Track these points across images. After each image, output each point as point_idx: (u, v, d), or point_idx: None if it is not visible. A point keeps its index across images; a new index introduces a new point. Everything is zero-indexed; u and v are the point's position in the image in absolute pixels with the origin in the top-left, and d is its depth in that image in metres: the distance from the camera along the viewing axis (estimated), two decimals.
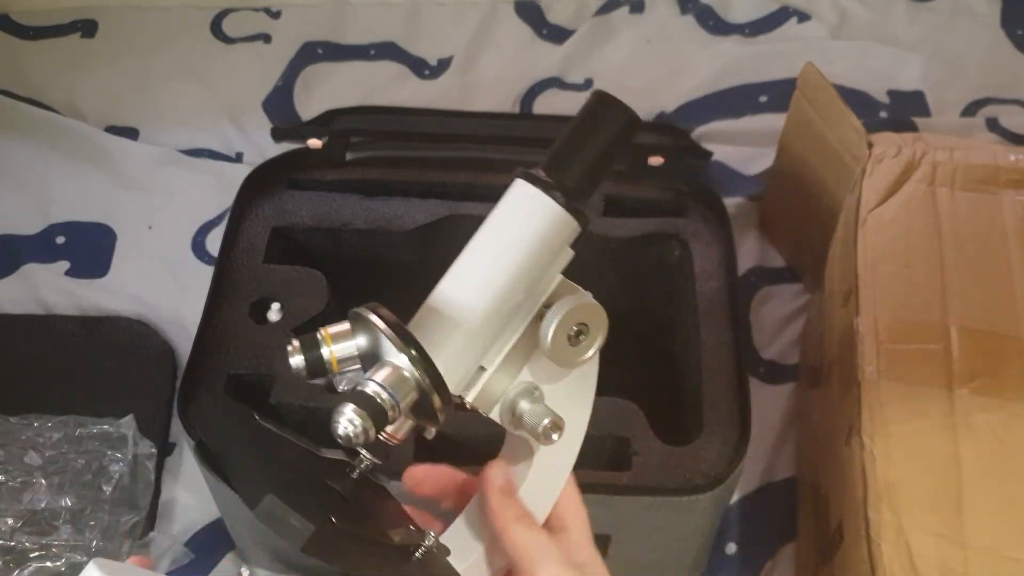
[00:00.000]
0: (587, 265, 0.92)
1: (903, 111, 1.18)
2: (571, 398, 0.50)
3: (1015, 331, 0.75)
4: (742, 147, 1.14)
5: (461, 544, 0.50)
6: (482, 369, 0.48)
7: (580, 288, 0.50)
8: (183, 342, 1.01)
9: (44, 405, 0.93)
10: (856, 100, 1.17)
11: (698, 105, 1.20)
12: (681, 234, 0.89)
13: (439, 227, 0.90)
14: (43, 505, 0.86)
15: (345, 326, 0.46)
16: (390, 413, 0.44)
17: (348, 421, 0.43)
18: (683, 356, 0.86)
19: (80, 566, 0.82)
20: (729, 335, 0.82)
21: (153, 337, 1.01)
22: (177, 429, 0.96)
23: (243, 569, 0.89)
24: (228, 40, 1.28)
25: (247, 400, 0.80)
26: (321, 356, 0.46)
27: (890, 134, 0.89)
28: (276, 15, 1.30)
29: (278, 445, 0.48)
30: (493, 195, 0.90)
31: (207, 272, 0.87)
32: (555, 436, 0.47)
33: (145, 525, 0.89)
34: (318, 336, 0.46)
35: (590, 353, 0.48)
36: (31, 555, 0.84)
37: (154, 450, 0.91)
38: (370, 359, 0.46)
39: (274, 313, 0.83)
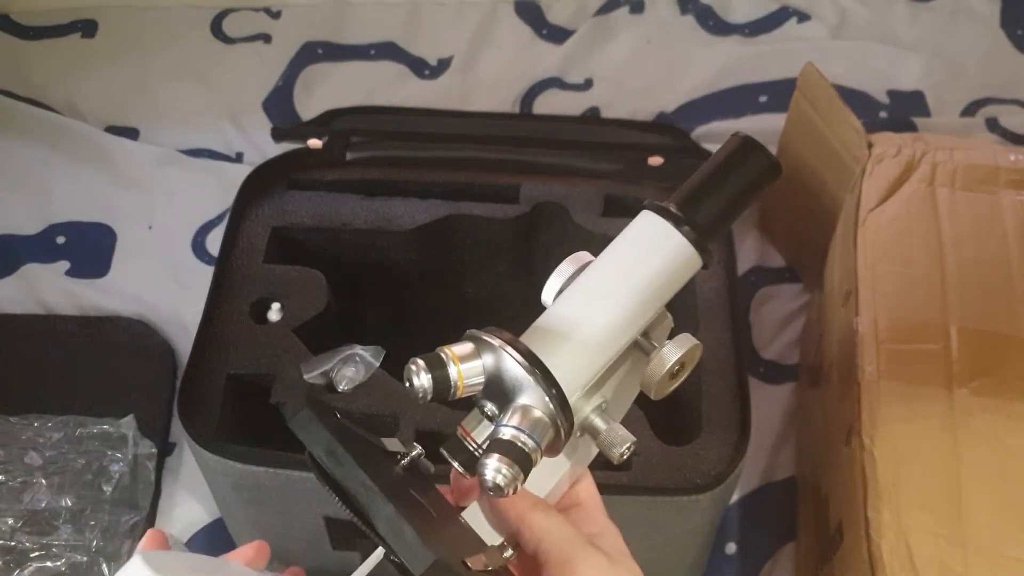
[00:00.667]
0: None
1: (903, 111, 1.18)
2: (622, 402, 0.51)
3: (1015, 331, 0.75)
4: None
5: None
6: (580, 391, 0.48)
7: (669, 315, 0.50)
8: (183, 342, 1.01)
9: (44, 405, 0.93)
10: (856, 100, 1.17)
11: (698, 105, 1.20)
12: None
13: (439, 227, 0.90)
14: (43, 505, 0.86)
15: (468, 347, 0.45)
16: (533, 457, 0.44)
17: (495, 471, 0.43)
18: None
19: (80, 566, 0.83)
20: (729, 335, 0.82)
21: (153, 337, 1.01)
22: (177, 429, 0.96)
23: (243, 569, 0.89)
24: (228, 40, 1.28)
25: (247, 400, 0.80)
26: (448, 376, 0.44)
27: (890, 134, 0.89)
28: (276, 15, 1.30)
29: (362, 445, 0.47)
30: (493, 195, 0.92)
31: (207, 272, 0.87)
32: (625, 457, 0.47)
33: (145, 525, 0.89)
34: (443, 355, 0.45)
35: (676, 385, 0.49)
36: (31, 555, 0.84)
37: (154, 450, 0.91)
38: (494, 384, 0.45)
39: (274, 313, 0.83)
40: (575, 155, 0.96)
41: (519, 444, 0.43)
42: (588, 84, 1.23)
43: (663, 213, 0.47)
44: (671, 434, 0.77)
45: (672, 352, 0.47)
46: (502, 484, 0.43)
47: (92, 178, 1.15)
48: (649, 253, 0.48)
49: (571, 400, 0.46)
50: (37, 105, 1.21)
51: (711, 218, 0.47)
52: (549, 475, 0.50)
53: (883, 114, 1.18)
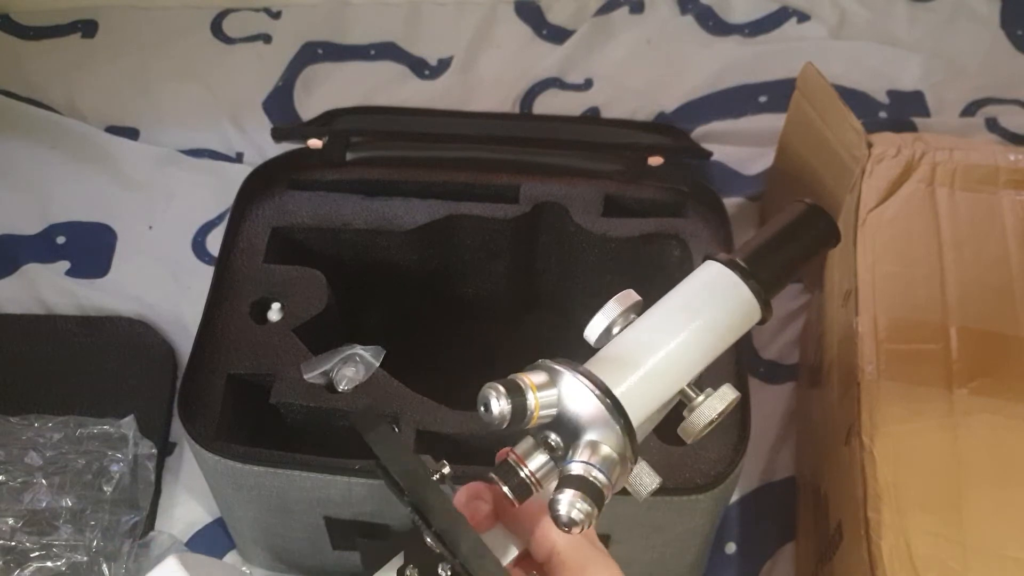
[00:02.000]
0: (587, 265, 0.92)
1: (903, 111, 1.18)
2: (642, 436, 0.51)
3: (1015, 331, 0.75)
4: (742, 147, 1.15)
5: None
6: None
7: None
8: (183, 342, 1.01)
9: (44, 405, 0.93)
10: (856, 100, 1.18)
11: (698, 105, 1.20)
12: (681, 234, 0.89)
13: (439, 227, 0.90)
14: (43, 505, 0.86)
15: (543, 376, 0.46)
16: (606, 492, 0.45)
17: (571, 506, 0.44)
18: None
19: (80, 566, 0.83)
20: None
21: (153, 337, 1.01)
22: (177, 429, 0.96)
23: (244, 568, 0.89)
24: (228, 40, 1.28)
25: (247, 400, 0.80)
26: (527, 404, 0.45)
27: (890, 134, 0.89)
28: (276, 15, 1.30)
29: (415, 462, 0.49)
30: (493, 195, 0.91)
31: (207, 272, 0.87)
32: (649, 496, 0.49)
33: (145, 525, 0.89)
34: (520, 383, 0.45)
35: (701, 436, 0.50)
36: (31, 555, 0.84)
37: (154, 450, 0.91)
38: (563, 413, 0.46)
39: (274, 313, 0.83)
40: (575, 155, 0.96)
41: (591, 479, 0.44)
42: (588, 84, 1.23)
43: (732, 266, 0.50)
44: (671, 434, 0.76)
45: (717, 404, 0.48)
46: (577, 519, 0.44)
47: (92, 178, 1.15)
48: (716, 300, 0.50)
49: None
50: (37, 105, 1.21)
51: (773, 276, 0.50)
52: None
53: (883, 114, 1.18)
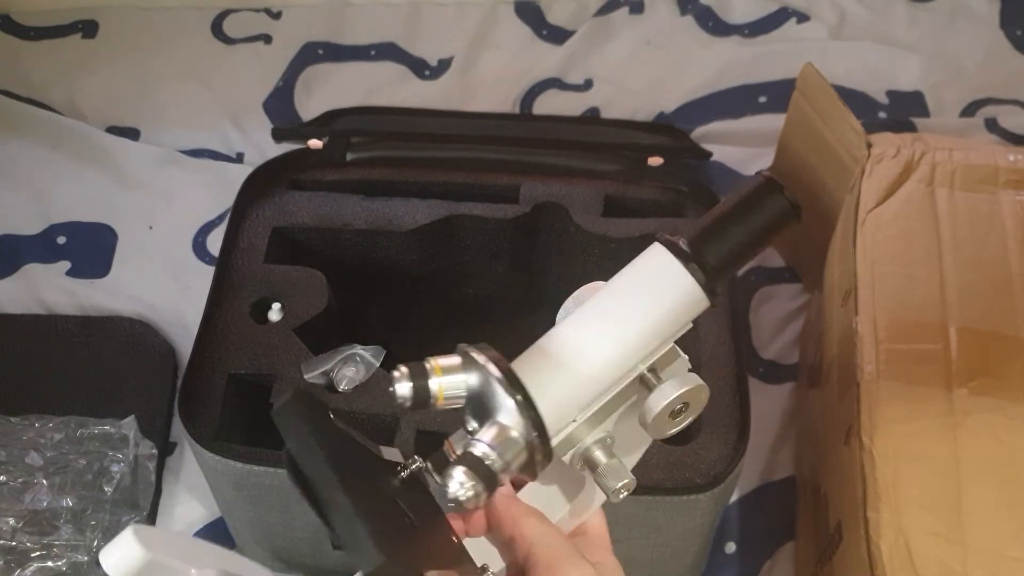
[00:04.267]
0: (587, 265, 0.92)
1: (902, 111, 1.18)
2: (632, 442, 0.50)
3: (1014, 331, 0.75)
4: (742, 147, 1.15)
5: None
6: (572, 420, 0.47)
7: (682, 353, 0.49)
8: (184, 342, 1.01)
9: (45, 405, 0.93)
10: (855, 100, 1.18)
11: (698, 105, 1.20)
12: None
13: (439, 227, 0.90)
14: (44, 505, 0.86)
15: (455, 360, 0.45)
16: (500, 476, 0.43)
17: (459, 484, 0.42)
18: None
19: (81, 566, 0.83)
20: (728, 335, 0.82)
21: (153, 337, 1.01)
22: (178, 429, 0.96)
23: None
24: (229, 41, 1.28)
25: (247, 400, 0.80)
26: (428, 387, 0.44)
27: (889, 134, 0.89)
28: (276, 16, 1.30)
29: (345, 445, 0.46)
30: (493, 195, 0.92)
31: (208, 272, 0.87)
32: (621, 496, 0.47)
33: (146, 524, 0.89)
34: (427, 366, 0.44)
35: (683, 426, 0.48)
36: (32, 555, 0.84)
37: (155, 450, 0.91)
38: (477, 400, 0.45)
39: (274, 313, 0.84)
40: (575, 155, 0.96)
41: (487, 461, 0.43)
42: (588, 84, 1.23)
43: (673, 249, 0.46)
44: None
45: (670, 389, 0.46)
46: (462, 498, 0.42)
47: (93, 178, 1.15)
48: (654, 288, 0.47)
49: (562, 428, 0.46)
50: (38, 105, 1.21)
51: (722, 258, 0.46)
52: (549, 506, 0.50)
53: (882, 114, 1.18)
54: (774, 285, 1.05)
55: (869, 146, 0.86)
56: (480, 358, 0.44)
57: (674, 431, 0.47)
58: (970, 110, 1.18)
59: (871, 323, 0.76)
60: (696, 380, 0.46)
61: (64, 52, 1.27)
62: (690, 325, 0.48)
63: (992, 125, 1.16)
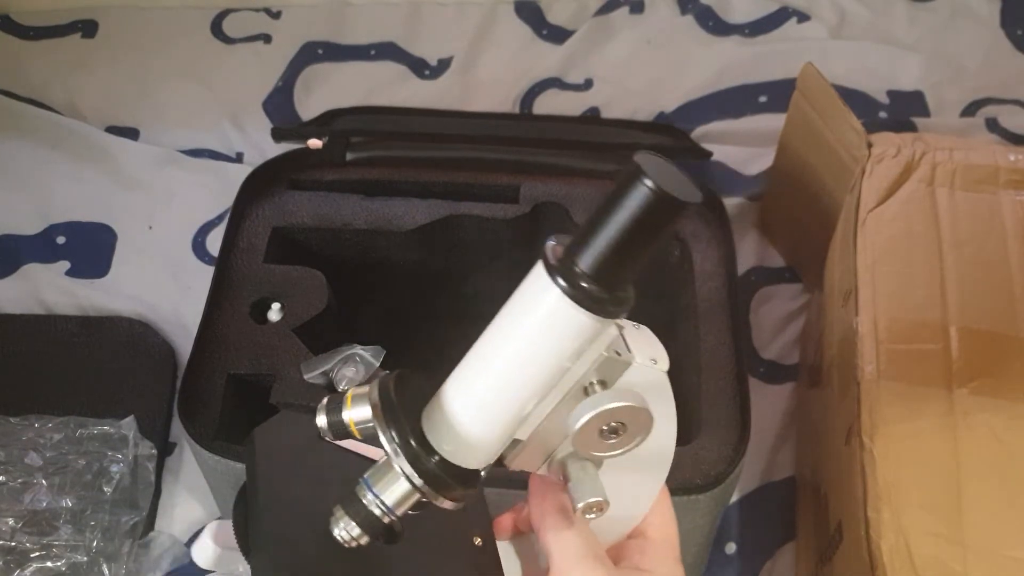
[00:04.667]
0: None
1: (903, 111, 1.18)
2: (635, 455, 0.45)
3: (1015, 331, 0.75)
4: (742, 147, 1.14)
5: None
6: (517, 440, 0.43)
7: (627, 354, 0.42)
8: (183, 342, 1.01)
9: (44, 405, 0.93)
10: (856, 100, 1.17)
11: (698, 105, 1.20)
12: (681, 234, 0.89)
13: (439, 227, 0.90)
14: (44, 505, 0.86)
15: (365, 389, 0.43)
16: (385, 520, 0.42)
17: (343, 528, 0.42)
18: (682, 356, 0.86)
19: (80, 566, 0.83)
20: (729, 335, 0.82)
21: (153, 337, 1.01)
22: (177, 429, 0.96)
23: (241, 568, 0.89)
24: (228, 40, 1.28)
25: (247, 400, 0.80)
26: (342, 420, 0.42)
27: (890, 134, 0.89)
28: (276, 15, 1.30)
29: (334, 460, 0.46)
30: (493, 195, 0.91)
31: (207, 272, 0.87)
32: (591, 516, 0.42)
33: (145, 525, 0.89)
34: (343, 397, 0.43)
35: (621, 452, 0.41)
36: (31, 555, 0.84)
37: (154, 451, 0.91)
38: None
39: (274, 313, 0.84)
40: (575, 155, 0.96)
41: (371, 507, 0.42)
42: (588, 84, 1.23)
43: (546, 263, 0.38)
44: None
45: (587, 406, 0.40)
46: (345, 540, 0.42)
47: (92, 178, 1.15)
48: (531, 310, 0.39)
49: (520, 446, 0.43)
50: (37, 105, 1.21)
51: (598, 264, 0.38)
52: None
53: (883, 114, 1.18)
54: (774, 285, 1.05)
55: (869, 146, 0.86)
56: (373, 394, 0.42)
57: (610, 455, 0.41)
58: (971, 110, 1.18)
59: (871, 323, 0.76)
60: (630, 399, 0.40)
61: (63, 52, 1.27)
62: (613, 331, 0.42)
63: (993, 125, 1.16)
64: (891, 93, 1.20)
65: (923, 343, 0.75)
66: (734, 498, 0.92)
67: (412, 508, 0.42)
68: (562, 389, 0.41)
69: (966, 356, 0.74)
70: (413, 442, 0.41)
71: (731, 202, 1.08)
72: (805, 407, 0.94)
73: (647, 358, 0.42)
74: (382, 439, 0.41)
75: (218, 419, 0.77)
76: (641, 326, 0.44)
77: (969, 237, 0.81)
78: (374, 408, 0.41)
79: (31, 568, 0.83)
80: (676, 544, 0.48)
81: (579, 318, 0.38)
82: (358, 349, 0.79)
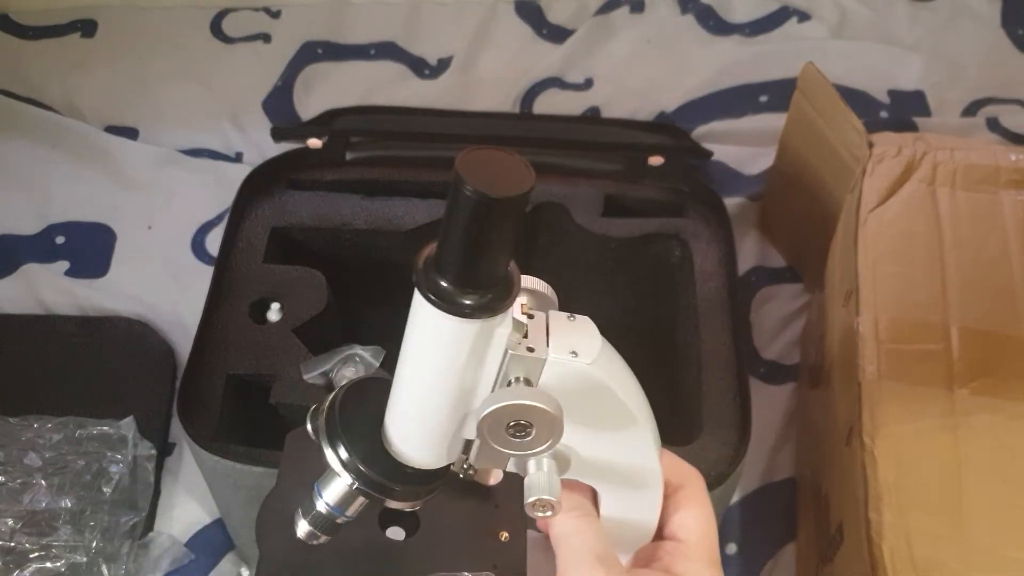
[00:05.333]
0: (588, 265, 0.92)
1: (903, 111, 1.18)
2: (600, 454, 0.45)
3: (1015, 331, 0.75)
4: (742, 147, 1.14)
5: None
6: (470, 440, 0.44)
7: (548, 356, 0.41)
8: (183, 342, 1.01)
9: (44, 406, 0.93)
10: (856, 100, 1.17)
11: (698, 105, 1.20)
12: (681, 234, 0.89)
13: (439, 227, 0.90)
14: (43, 506, 0.86)
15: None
16: (340, 520, 0.44)
17: (301, 530, 0.45)
18: (683, 356, 0.86)
19: (80, 566, 0.83)
20: (729, 335, 0.82)
21: (153, 337, 1.00)
22: (177, 429, 0.96)
23: (243, 570, 0.89)
24: (228, 40, 1.28)
25: (247, 400, 0.80)
26: (319, 425, 0.44)
27: (890, 134, 0.89)
28: (276, 15, 1.30)
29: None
30: None
31: (207, 272, 0.87)
32: (539, 514, 0.42)
33: (145, 525, 0.88)
34: (320, 407, 0.45)
35: (541, 449, 0.41)
36: (31, 556, 0.84)
37: (154, 451, 0.91)
38: None
39: (274, 313, 0.83)
40: (575, 155, 0.96)
41: (324, 512, 0.44)
42: (588, 84, 1.22)
43: (415, 274, 0.40)
44: (671, 434, 0.76)
45: (489, 401, 0.39)
46: (307, 539, 0.45)
47: (92, 178, 1.15)
48: (413, 327, 0.40)
49: (476, 443, 0.43)
50: (37, 105, 1.20)
51: (458, 271, 0.39)
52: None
53: (884, 114, 1.18)
54: (775, 285, 1.05)
55: (870, 146, 0.86)
56: (324, 401, 0.44)
57: (520, 455, 0.41)
58: (971, 110, 1.18)
59: (872, 323, 0.76)
60: (530, 398, 0.39)
61: (63, 51, 1.27)
62: (507, 328, 0.40)
63: (993, 125, 1.16)
64: (892, 93, 1.20)
65: (924, 343, 0.75)
66: (735, 499, 0.92)
67: (361, 507, 0.44)
68: (486, 389, 0.41)
69: (967, 356, 0.74)
70: (344, 444, 0.43)
71: (731, 202, 1.08)
72: (806, 407, 0.93)
73: (565, 351, 0.41)
74: (320, 442, 0.43)
75: (217, 419, 0.77)
76: (580, 317, 0.43)
77: (970, 237, 0.81)
78: (320, 413, 0.43)
79: (30, 568, 0.83)
80: (713, 546, 0.47)
81: (456, 325, 0.39)
82: (358, 349, 0.79)
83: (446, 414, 0.42)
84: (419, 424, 0.42)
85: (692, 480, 0.49)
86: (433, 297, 0.38)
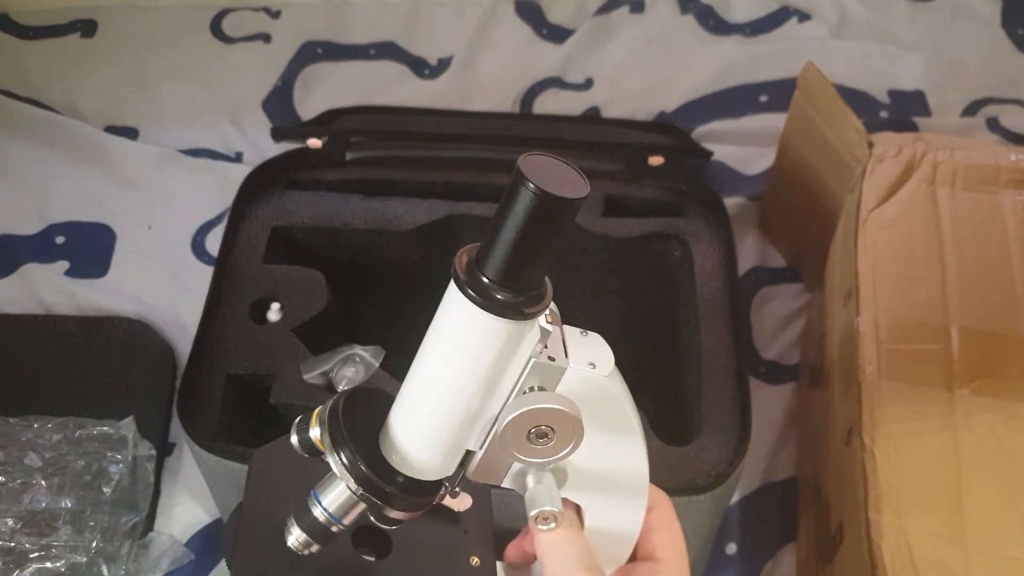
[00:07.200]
0: (588, 265, 0.92)
1: (904, 111, 1.18)
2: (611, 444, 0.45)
3: (1015, 331, 0.75)
4: (742, 147, 1.14)
5: None
6: (470, 452, 0.44)
7: (560, 358, 0.42)
8: (183, 342, 1.01)
9: (44, 406, 0.93)
10: (856, 100, 1.17)
11: (698, 105, 1.20)
12: (681, 234, 0.89)
13: (439, 227, 0.90)
14: (43, 506, 0.86)
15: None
16: (334, 529, 0.44)
17: (295, 538, 0.44)
18: (683, 356, 0.86)
19: (79, 566, 0.83)
20: (729, 335, 0.82)
21: (153, 337, 1.00)
22: (176, 429, 0.96)
23: None
24: (228, 40, 1.28)
25: (247, 400, 0.80)
26: (311, 438, 0.45)
27: (891, 134, 0.89)
28: (276, 15, 1.30)
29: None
30: (493, 195, 0.91)
31: (207, 272, 0.87)
32: (543, 527, 0.43)
33: (145, 526, 0.88)
34: (311, 415, 0.45)
35: (559, 456, 0.42)
36: (31, 556, 0.83)
37: (153, 452, 0.91)
38: None
39: (274, 313, 0.83)
40: (575, 155, 0.96)
41: (320, 519, 0.44)
42: (588, 84, 1.22)
43: (454, 275, 0.40)
44: (671, 434, 0.77)
45: (511, 408, 0.40)
46: (298, 548, 0.44)
47: (91, 178, 1.15)
48: (450, 323, 0.41)
49: (475, 456, 0.43)
50: (37, 105, 1.20)
51: (503, 272, 0.39)
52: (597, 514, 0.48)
53: (884, 114, 1.18)
54: (775, 285, 1.05)
55: (870, 145, 0.86)
56: (323, 410, 0.44)
57: (542, 461, 0.42)
58: (971, 109, 1.18)
59: (872, 323, 0.76)
60: (555, 402, 0.40)
61: (63, 51, 1.27)
62: (536, 334, 0.41)
63: (994, 124, 1.16)
64: (892, 93, 1.20)
65: (924, 343, 0.75)
66: (735, 499, 0.92)
67: (361, 517, 0.44)
68: (501, 397, 0.42)
69: (967, 356, 0.74)
70: (351, 451, 0.42)
71: (732, 202, 1.08)
72: (806, 407, 0.93)
73: (584, 363, 0.42)
74: (325, 448, 0.43)
75: (217, 419, 0.77)
76: (591, 333, 0.44)
77: (970, 237, 0.81)
78: (321, 423, 0.43)
79: (30, 569, 0.83)
80: (686, 566, 0.49)
81: (493, 324, 0.39)
82: (358, 349, 0.79)
83: (460, 417, 0.42)
84: (431, 425, 0.42)
85: (662, 501, 0.50)
86: (472, 293, 0.39)
